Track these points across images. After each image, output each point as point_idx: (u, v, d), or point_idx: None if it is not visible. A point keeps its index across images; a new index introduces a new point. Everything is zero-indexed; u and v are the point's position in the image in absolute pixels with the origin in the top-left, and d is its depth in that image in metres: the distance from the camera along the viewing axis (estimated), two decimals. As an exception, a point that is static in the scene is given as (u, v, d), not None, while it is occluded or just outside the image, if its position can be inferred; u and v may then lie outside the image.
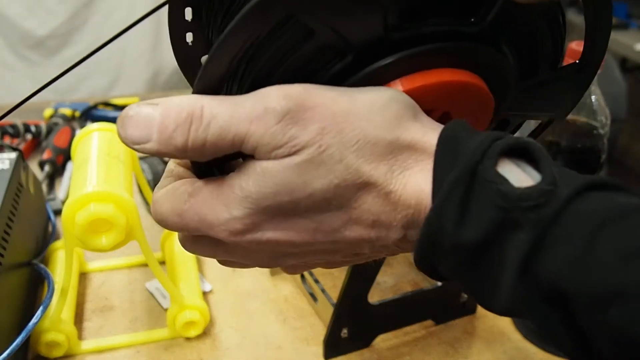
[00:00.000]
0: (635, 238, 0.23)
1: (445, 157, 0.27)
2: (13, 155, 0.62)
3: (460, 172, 0.26)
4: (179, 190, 0.29)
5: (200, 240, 0.31)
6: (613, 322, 0.23)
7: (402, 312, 0.58)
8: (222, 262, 0.33)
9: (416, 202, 0.27)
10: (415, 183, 0.27)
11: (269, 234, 0.28)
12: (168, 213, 0.29)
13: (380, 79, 0.30)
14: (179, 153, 0.27)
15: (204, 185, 0.29)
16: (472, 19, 0.30)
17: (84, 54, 0.31)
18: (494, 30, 0.31)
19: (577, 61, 0.35)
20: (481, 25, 0.30)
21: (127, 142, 0.28)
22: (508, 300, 0.26)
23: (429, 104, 0.31)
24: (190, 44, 0.41)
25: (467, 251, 0.26)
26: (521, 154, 0.27)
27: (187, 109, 0.27)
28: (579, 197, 0.25)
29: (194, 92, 0.28)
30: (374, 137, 0.27)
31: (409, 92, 0.30)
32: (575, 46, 0.56)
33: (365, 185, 0.27)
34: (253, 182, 0.27)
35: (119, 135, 0.28)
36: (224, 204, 0.28)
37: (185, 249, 0.32)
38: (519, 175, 0.26)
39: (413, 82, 0.30)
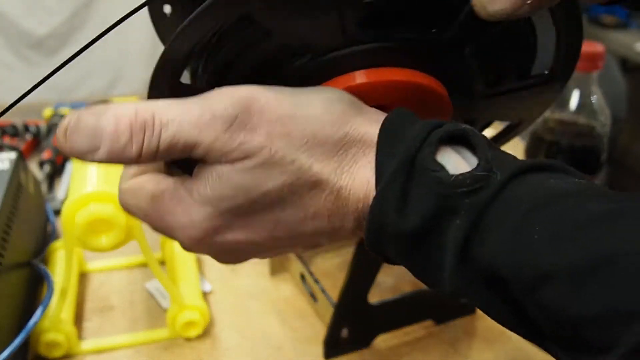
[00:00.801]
0: (562, 222, 0.24)
1: (385, 147, 0.28)
2: (13, 155, 0.62)
3: (399, 162, 0.26)
4: (143, 190, 0.30)
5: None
6: (545, 303, 0.24)
7: (402, 312, 0.58)
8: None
9: (364, 194, 0.28)
10: (362, 176, 0.28)
11: (229, 235, 0.29)
12: (134, 209, 0.31)
13: (335, 70, 0.31)
14: (130, 161, 0.28)
15: (165, 188, 0.29)
16: (434, 30, 0.31)
17: (84, 54, 0.31)
18: (457, 40, 0.31)
19: (546, 72, 0.35)
20: (443, 35, 0.31)
21: (72, 153, 0.28)
22: (452, 284, 0.27)
23: (382, 99, 0.31)
24: (168, 15, 0.41)
25: (410, 237, 0.27)
26: (461, 140, 0.27)
27: (140, 117, 0.27)
28: (514, 181, 0.26)
29: (156, 67, 0.29)
30: (322, 137, 0.28)
31: (361, 86, 0.31)
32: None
33: (317, 184, 0.28)
34: (210, 186, 0.28)
35: (61, 147, 0.28)
36: (183, 209, 0.29)
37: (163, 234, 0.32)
38: (457, 162, 0.27)
39: (367, 77, 0.31)
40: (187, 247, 0.31)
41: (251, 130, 0.27)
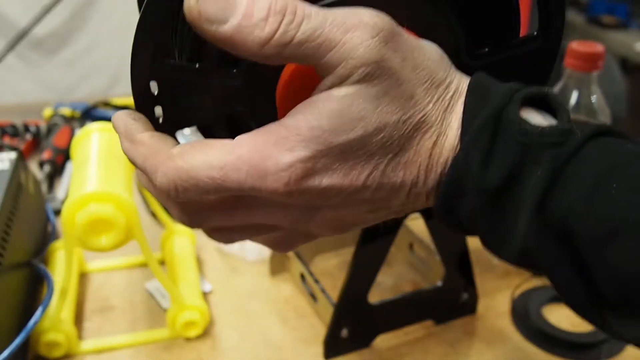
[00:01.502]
0: (637, 180, 0.25)
1: (473, 101, 0.28)
2: (13, 155, 0.62)
3: (487, 115, 0.27)
4: (218, 143, 0.27)
5: (215, 207, 0.29)
6: (613, 259, 0.25)
7: (402, 312, 0.58)
8: (219, 236, 0.31)
9: (454, 147, 0.28)
10: (457, 127, 0.28)
11: (326, 180, 0.27)
12: (202, 167, 0.26)
13: None
14: (252, 48, 0.25)
15: (251, 135, 0.27)
16: None
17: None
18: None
19: (535, 32, 0.34)
20: None
21: (197, 18, 0.25)
22: (522, 241, 0.27)
23: None
24: None
25: (489, 193, 0.27)
26: (540, 104, 0.28)
27: (282, 0, 0.25)
28: (593, 140, 0.27)
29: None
30: (437, 79, 0.28)
31: None
32: (576, 46, 0.56)
33: (425, 125, 0.28)
34: (327, 116, 0.25)
35: (189, 9, 0.25)
36: (286, 148, 0.26)
37: (189, 221, 0.30)
38: (539, 119, 0.27)
39: None
40: (256, 203, 0.28)
41: (393, 48, 0.26)
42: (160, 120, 0.32)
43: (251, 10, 0.24)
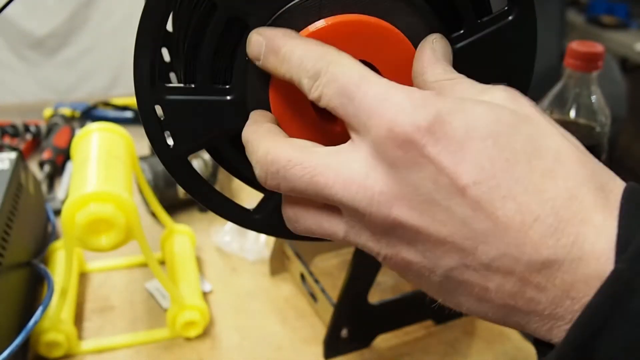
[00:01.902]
0: None
1: (631, 211, 0.24)
2: (13, 155, 0.62)
3: None
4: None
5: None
6: None
7: (402, 312, 0.58)
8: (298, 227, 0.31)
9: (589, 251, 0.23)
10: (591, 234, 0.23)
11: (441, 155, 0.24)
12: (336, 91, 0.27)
13: (295, 21, 0.32)
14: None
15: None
16: None
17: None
18: None
19: (505, 7, 0.34)
20: None
21: None
22: None
23: (340, 43, 0.31)
24: None
25: None
26: None
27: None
28: None
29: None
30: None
31: (327, 28, 0.31)
32: (576, 46, 0.56)
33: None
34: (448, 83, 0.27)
35: None
36: (417, 97, 0.25)
37: (290, 211, 0.30)
38: None
39: (332, 19, 0.31)
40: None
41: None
42: (171, 146, 0.34)
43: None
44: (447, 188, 0.24)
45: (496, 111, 0.25)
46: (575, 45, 0.56)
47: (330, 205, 0.28)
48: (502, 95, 0.27)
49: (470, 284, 0.25)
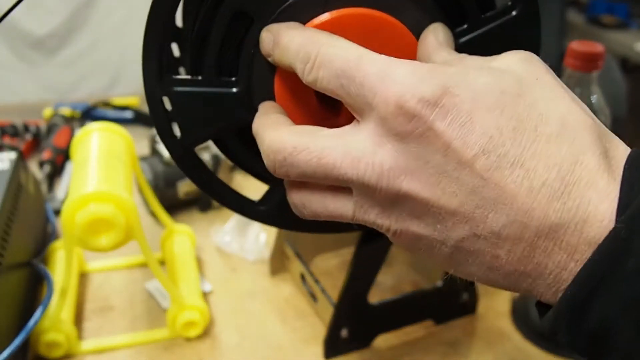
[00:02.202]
0: None
1: (634, 178, 0.24)
2: (13, 155, 0.62)
3: None
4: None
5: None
6: None
7: (402, 312, 0.58)
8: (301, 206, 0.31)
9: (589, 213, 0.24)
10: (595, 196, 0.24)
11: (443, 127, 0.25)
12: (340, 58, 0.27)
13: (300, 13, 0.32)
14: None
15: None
16: None
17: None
18: None
19: (509, 2, 0.34)
20: None
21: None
22: None
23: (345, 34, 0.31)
24: None
25: None
26: None
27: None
28: None
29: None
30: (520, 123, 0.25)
31: (332, 21, 0.32)
32: (576, 46, 0.56)
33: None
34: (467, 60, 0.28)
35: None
36: (422, 69, 0.26)
37: (295, 197, 0.30)
38: None
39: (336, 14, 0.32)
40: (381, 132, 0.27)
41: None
42: (178, 137, 0.34)
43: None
44: (456, 159, 0.25)
45: (502, 79, 0.26)
46: (575, 45, 0.56)
47: (336, 187, 0.28)
48: (513, 59, 0.27)
49: (481, 253, 0.26)
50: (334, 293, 0.54)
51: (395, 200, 0.27)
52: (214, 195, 0.38)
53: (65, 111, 0.98)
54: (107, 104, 1.04)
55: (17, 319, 0.52)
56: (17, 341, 0.48)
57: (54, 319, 0.53)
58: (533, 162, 0.24)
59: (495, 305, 0.62)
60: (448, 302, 0.59)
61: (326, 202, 0.29)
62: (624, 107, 1.27)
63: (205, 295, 0.62)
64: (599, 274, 0.23)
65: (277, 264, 0.65)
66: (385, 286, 0.64)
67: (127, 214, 0.49)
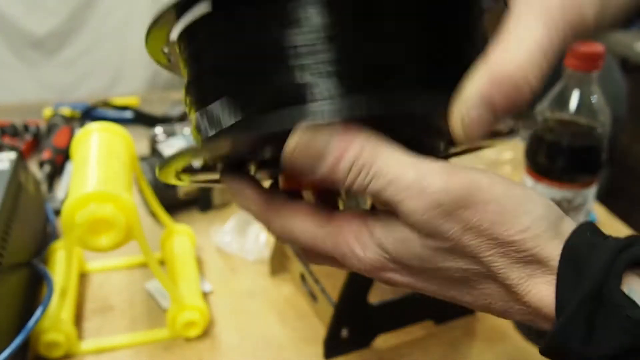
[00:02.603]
0: None
1: (568, 275, 0.27)
2: (13, 155, 0.62)
3: (585, 294, 0.26)
4: (318, 213, 0.32)
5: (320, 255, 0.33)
6: None
7: (402, 312, 0.58)
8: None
9: (536, 306, 0.28)
10: (538, 292, 0.28)
11: (395, 277, 0.31)
12: (300, 231, 0.32)
13: None
14: (333, 185, 0.29)
15: (344, 218, 0.31)
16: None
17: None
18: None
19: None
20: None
21: (292, 168, 0.29)
22: None
23: None
24: None
25: None
26: None
27: (361, 161, 0.28)
28: None
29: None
30: (511, 244, 0.28)
31: None
32: (576, 46, 0.56)
33: (493, 278, 0.29)
34: (392, 243, 0.29)
35: (285, 160, 0.28)
36: (361, 245, 0.30)
37: (303, 258, 0.35)
38: None
39: None
40: (355, 269, 0.32)
41: (452, 219, 0.27)
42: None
43: (335, 167, 0.28)
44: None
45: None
46: (575, 45, 0.56)
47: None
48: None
49: (469, 299, 0.31)
50: (334, 293, 0.54)
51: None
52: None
53: (65, 111, 0.98)
54: (107, 104, 1.04)
55: (17, 319, 0.52)
56: (17, 341, 0.48)
57: (54, 319, 0.53)
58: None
59: (495, 305, 0.62)
60: (448, 302, 0.59)
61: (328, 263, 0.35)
62: (624, 107, 1.26)
63: (205, 295, 0.62)
64: (556, 355, 0.28)
65: (277, 264, 0.65)
66: (385, 286, 0.64)
67: (127, 214, 0.49)
